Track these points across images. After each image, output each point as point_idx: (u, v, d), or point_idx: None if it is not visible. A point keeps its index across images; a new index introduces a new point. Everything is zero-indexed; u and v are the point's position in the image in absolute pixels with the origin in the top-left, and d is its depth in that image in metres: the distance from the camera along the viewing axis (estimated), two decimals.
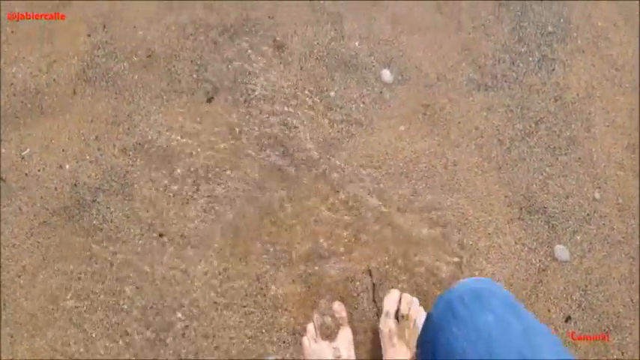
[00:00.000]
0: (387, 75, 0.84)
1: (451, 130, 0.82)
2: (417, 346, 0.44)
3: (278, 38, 0.86)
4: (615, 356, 0.74)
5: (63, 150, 0.79)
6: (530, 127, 0.84)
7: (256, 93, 0.83)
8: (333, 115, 0.82)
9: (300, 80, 0.84)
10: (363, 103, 0.82)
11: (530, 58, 0.87)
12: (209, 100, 0.82)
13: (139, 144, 0.79)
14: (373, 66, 0.85)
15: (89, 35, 0.85)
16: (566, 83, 0.87)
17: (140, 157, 0.79)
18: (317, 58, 0.85)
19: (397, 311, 0.70)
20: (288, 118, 0.82)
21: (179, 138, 0.80)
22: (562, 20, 0.90)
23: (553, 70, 0.87)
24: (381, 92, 0.83)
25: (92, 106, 0.82)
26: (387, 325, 0.69)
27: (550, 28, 0.89)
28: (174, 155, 0.79)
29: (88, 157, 0.79)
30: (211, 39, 0.86)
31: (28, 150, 0.78)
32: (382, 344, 0.69)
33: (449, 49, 0.87)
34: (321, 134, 0.81)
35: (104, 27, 0.86)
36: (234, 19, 0.86)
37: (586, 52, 0.88)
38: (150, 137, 0.80)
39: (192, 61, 0.84)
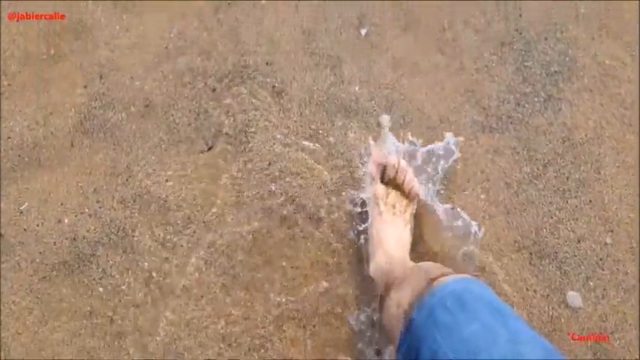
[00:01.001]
0: (386, 120, 1.04)
1: (456, 173, 0.99)
2: (397, 350, 0.51)
3: (277, 84, 1.04)
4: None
5: (61, 204, 0.98)
6: (538, 169, 1.02)
7: (256, 140, 1.02)
8: (335, 161, 0.99)
9: (301, 127, 1.02)
10: (365, 148, 1.01)
11: (536, 99, 1.06)
12: (209, 149, 1.02)
13: (138, 195, 0.99)
14: (374, 110, 1.05)
15: (85, 86, 1.04)
16: (574, 123, 1.05)
17: (139, 209, 0.98)
18: (317, 103, 1.03)
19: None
20: (289, 164, 1.01)
21: (178, 188, 0.99)
22: (567, 59, 1.08)
23: (560, 110, 1.06)
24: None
25: (90, 158, 1.01)
26: (374, 190, 0.83)
27: (555, 68, 1.08)
28: (173, 206, 0.95)
29: (86, 210, 0.98)
30: (209, 86, 1.06)
31: (26, 204, 0.97)
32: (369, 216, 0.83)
33: (451, 90, 1.05)
34: (322, 180, 0.97)
35: (101, 77, 1.05)
36: (232, 66, 1.06)
37: (593, 91, 1.07)
38: (149, 188, 0.96)
39: (190, 109, 1.04)
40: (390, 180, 0.87)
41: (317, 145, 0.99)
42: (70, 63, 1.04)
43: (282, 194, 0.96)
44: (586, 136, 1.02)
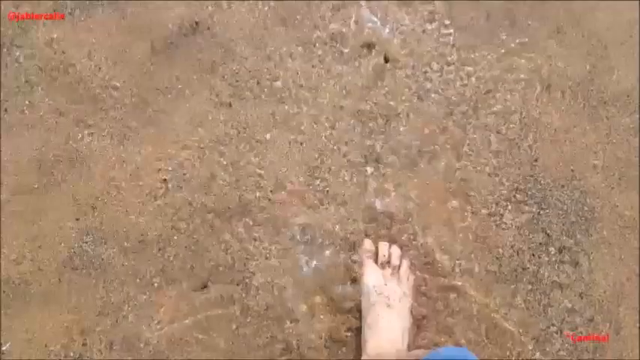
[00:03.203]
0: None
1: (469, 326, 1.36)
2: None
3: (278, 222, 1.44)
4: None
5: (46, 345, 1.35)
6: (554, 325, 1.45)
7: (254, 282, 1.50)
8: (338, 305, 1.38)
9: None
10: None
11: (552, 250, 1.48)
12: (203, 288, 1.45)
13: (127, 338, 1.45)
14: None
15: (78, 219, 1.46)
16: (592, 279, 1.45)
17: (128, 355, 1.39)
18: (319, 243, 1.43)
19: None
20: (289, 304, 1.41)
21: (171, 330, 1.37)
22: (585, 209, 1.53)
23: (577, 263, 1.48)
24: None
25: (78, 296, 1.43)
26: (365, 279, 1.27)
27: (572, 217, 1.53)
28: (165, 350, 1.30)
29: (72, 354, 1.33)
30: (207, 222, 1.48)
31: (8, 344, 1.38)
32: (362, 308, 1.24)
33: (463, 237, 1.46)
34: (325, 328, 1.35)
35: (94, 210, 1.46)
36: (232, 202, 1.46)
37: (612, 244, 1.50)
38: (139, 330, 1.32)
39: (186, 246, 1.50)
40: (384, 267, 1.31)
41: (321, 296, 1.40)
42: (63, 194, 1.46)
43: (282, 341, 1.36)
44: (605, 292, 1.42)
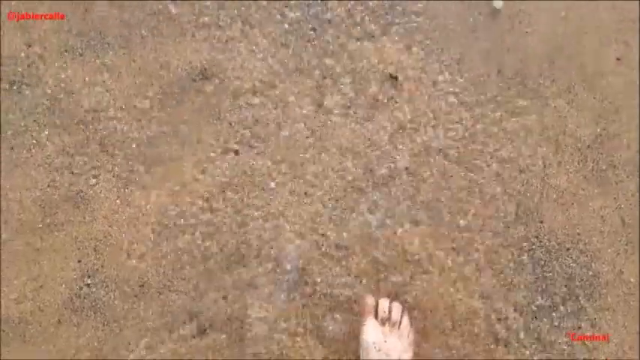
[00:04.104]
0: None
1: None
2: None
3: (278, 271, 1.66)
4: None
5: None
6: None
7: (253, 332, 1.61)
8: (332, 352, 1.61)
9: (303, 319, 1.59)
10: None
11: (555, 314, 1.65)
12: (201, 334, 1.61)
13: None
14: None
15: (79, 261, 1.66)
16: (595, 345, 1.61)
17: None
18: (320, 296, 1.63)
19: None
20: (286, 353, 1.67)
21: None
22: (590, 273, 1.71)
23: (579, 328, 1.64)
24: None
25: (77, 338, 1.59)
26: (365, 333, 1.45)
27: (577, 282, 1.67)
28: None
29: None
30: (208, 269, 1.66)
31: None
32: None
33: (466, 295, 1.64)
34: None
35: (96, 253, 1.65)
36: (235, 250, 1.66)
37: (617, 311, 1.65)
38: None
39: (186, 292, 1.64)
40: (384, 323, 1.52)
41: (316, 341, 1.59)
42: (66, 234, 1.68)
43: None
44: None
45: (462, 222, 1.77)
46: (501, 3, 1.85)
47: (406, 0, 1.85)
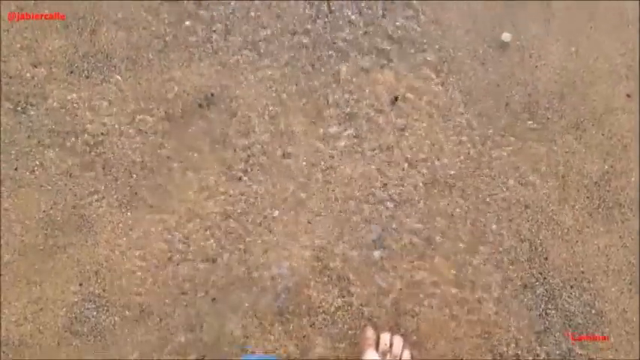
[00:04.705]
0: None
1: None
2: None
3: (279, 304, 1.77)
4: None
5: None
6: None
7: None
8: None
9: (303, 342, 1.70)
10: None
11: (557, 352, 1.75)
12: None
13: None
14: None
15: (81, 284, 1.76)
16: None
17: None
18: (321, 326, 1.74)
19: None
20: None
21: None
22: (593, 312, 1.79)
23: None
24: None
25: None
26: None
27: (579, 319, 1.78)
28: None
29: None
30: (210, 296, 1.77)
31: None
32: None
33: (468, 328, 1.75)
34: None
35: (97, 277, 1.75)
36: (237, 278, 1.76)
37: (619, 350, 1.75)
38: None
39: (187, 319, 1.75)
40: (384, 356, 1.61)
41: None
42: (68, 257, 1.78)
43: None
44: None
45: (466, 256, 1.87)
46: (509, 36, 1.94)
47: (416, 32, 1.96)
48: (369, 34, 1.97)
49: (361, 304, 1.82)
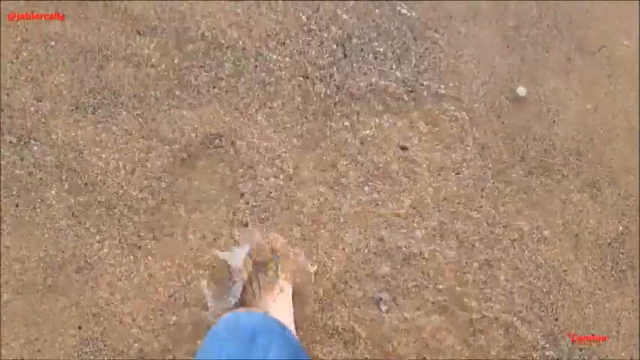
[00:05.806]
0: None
1: None
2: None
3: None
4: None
5: None
6: None
7: None
8: None
9: None
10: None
11: None
12: None
13: None
14: None
15: (80, 327, 1.92)
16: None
17: None
18: None
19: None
20: None
21: None
22: None
23: None
24: None
25: None
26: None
27: None
28: None
29: None
30: None
31: None
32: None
33: None
34: None
35: (96, 320, 1.92)
36: None
37: None
38: None
39: None
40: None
41: None
42: (67, 299, 1.94)
43: None
44: None
45: (474, 315, 2.05)
46: (525, 90, 2.15)
47: (432, 81, 2.15)
48: (383, 80, 2.17)
49: (366, 357, 2.01)
